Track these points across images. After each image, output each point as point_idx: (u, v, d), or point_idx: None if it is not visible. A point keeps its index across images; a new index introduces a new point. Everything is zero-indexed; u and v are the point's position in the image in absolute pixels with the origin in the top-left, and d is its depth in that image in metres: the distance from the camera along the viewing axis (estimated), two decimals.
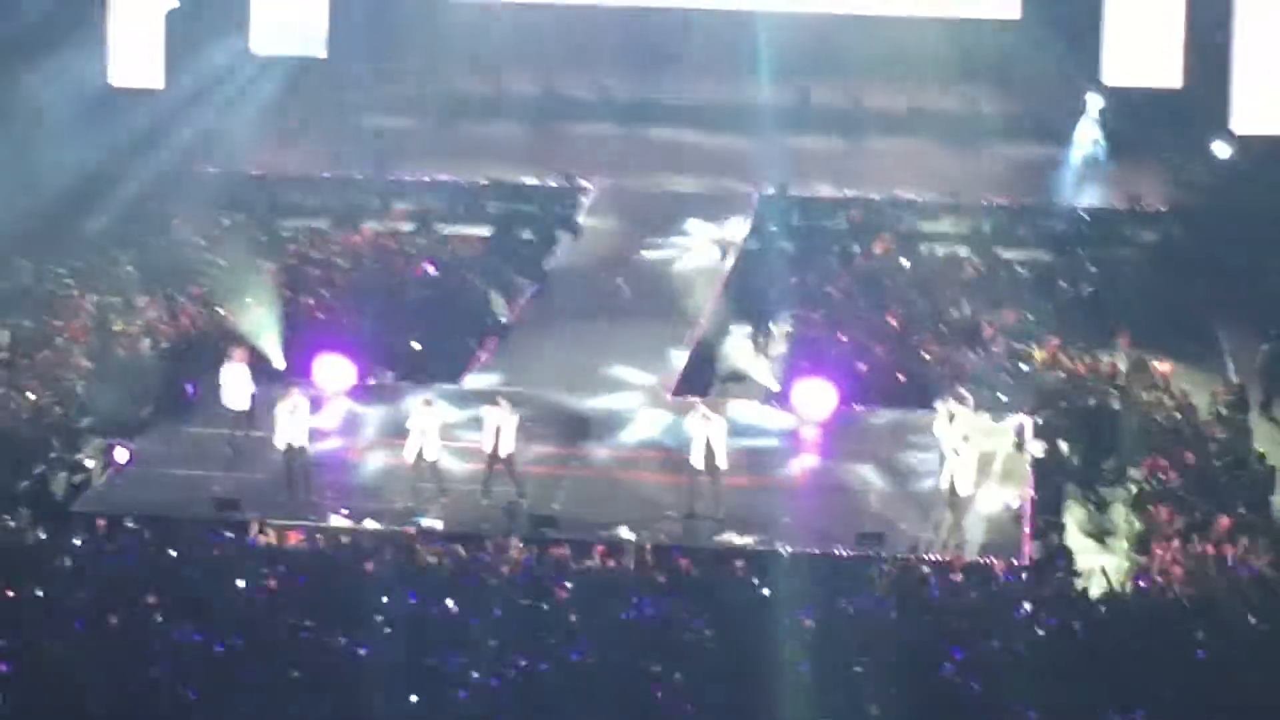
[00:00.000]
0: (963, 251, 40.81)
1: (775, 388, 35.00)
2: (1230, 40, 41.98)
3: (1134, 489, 31.60)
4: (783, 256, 40.26)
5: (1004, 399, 34.11)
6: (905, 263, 39.66)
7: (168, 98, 44.93)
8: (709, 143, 46.09)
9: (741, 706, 24.51)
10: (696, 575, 27.80)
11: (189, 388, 34.12)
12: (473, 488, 30.87)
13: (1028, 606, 26.87)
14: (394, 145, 45.64)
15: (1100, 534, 31.06)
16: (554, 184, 43.98)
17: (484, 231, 42.41)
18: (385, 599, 26.66)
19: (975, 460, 29.96)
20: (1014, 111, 45.70)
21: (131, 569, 27.89)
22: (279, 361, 34.50)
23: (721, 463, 30.25)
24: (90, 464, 32.24)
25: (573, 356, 35.96)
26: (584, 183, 43.88)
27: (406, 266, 39.67)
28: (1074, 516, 31.44)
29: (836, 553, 29.13)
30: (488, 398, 31.82)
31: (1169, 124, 43.12)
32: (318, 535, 29.46)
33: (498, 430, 30.49)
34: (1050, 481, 31.73)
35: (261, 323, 35.60)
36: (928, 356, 35.19)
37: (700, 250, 40.81)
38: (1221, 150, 42.65)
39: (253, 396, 32.13)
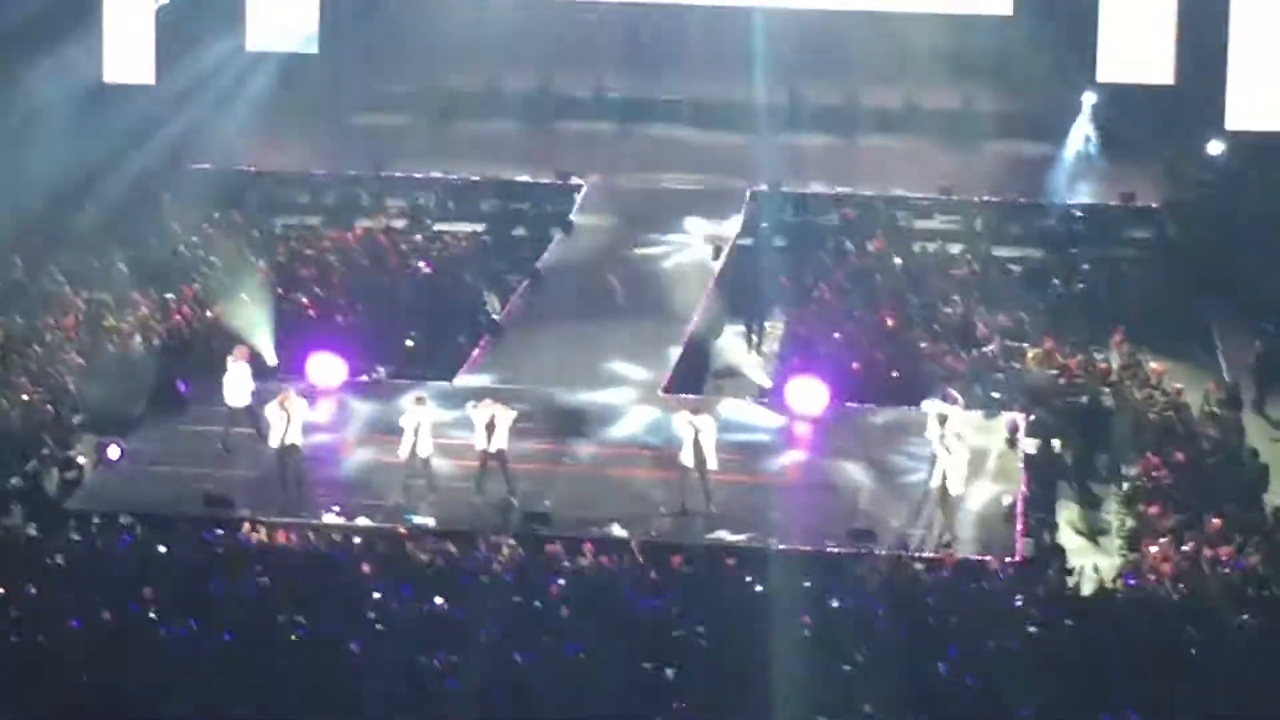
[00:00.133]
0: (956, 249, 40.78)
1: (768, 385, 35.00)
2: (1224, 36, 42.03)
3: (1126, 487, 31.62)
4: (776, 254, 40.25)
5: (997, 396, 34.16)
6: (898, 260, 39.65)
7: (160, 93, 44.94)
8: (702, 140, 46.06)
9: (733, 703, 24.53)
10: (688, 572, 27.79)
11: (181, 385, 34.07)
12: (465, 485, 30.86)
13: (1020, 604, 26.88)
14: (387, 142, 45.58)
15: (1093, 532, 31.08)
16: (547, 181, 43.94)
17: (477, 229, 42.40)
18: (377, 596, 26.68)
19: (967, 458, 29.96)
20: (1007, 108, 45.64)
21: (124, 566, 27.89)
22: (271, 359, 34.48)
23: (710, 464, 30.24)
24: (82, 461, 32.21)
25: (566, 354, 35.92)
26: (577, 180, 43.84)
27: (399, 264, 39.64)
28: (1066, 514, 31.46)
29: (829, 550, 29.13)
30: (478, 395, 31.75)
31: (1162, 121, 43.10)
32: (310, 533, 29.42)
33: (490, 427, 30.48)
34: (1043, 479, 31.74)
35: (254, 320, 35.58)
36: (921, 354, 35.17)
37: (694, 247, 40.78)
38: (1215, 147, 42.66)
39: (253, 394, 32.11)
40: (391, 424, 31.54)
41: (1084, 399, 33.65)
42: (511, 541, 28.73)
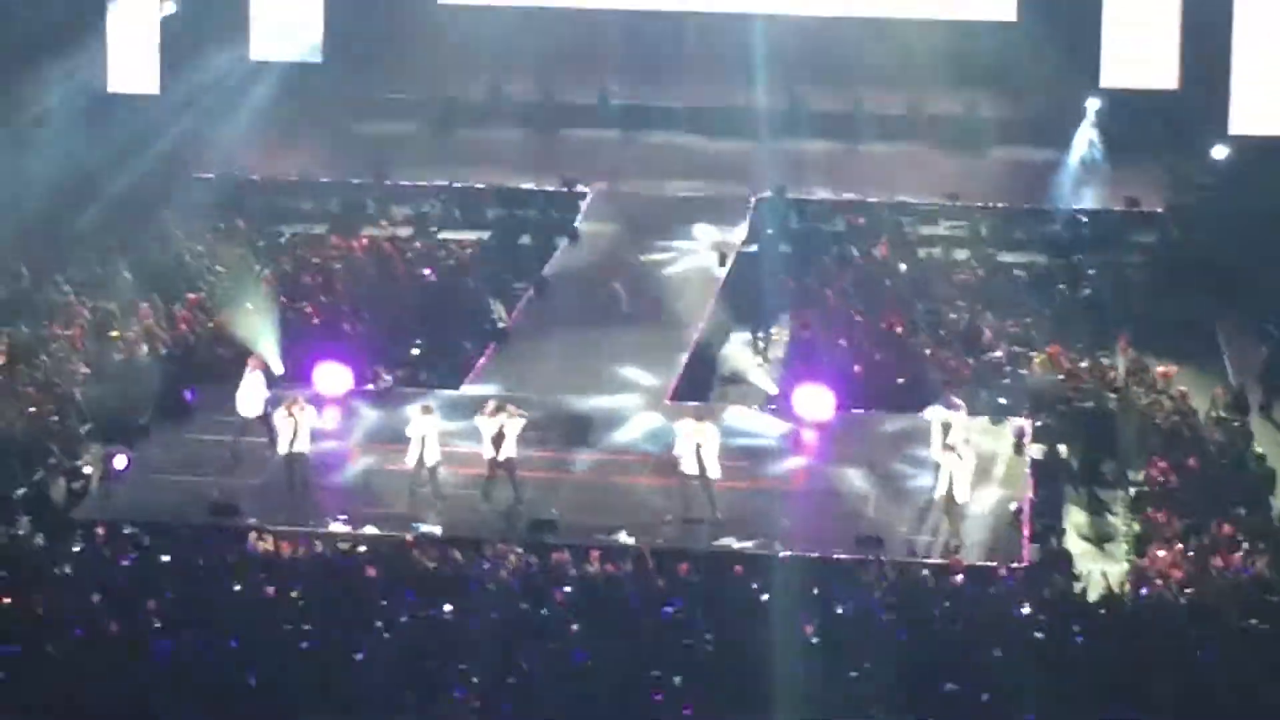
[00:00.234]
0: (961, 254, 40.79)
1: (774, 391, 35.01)
2: (1227, 41, 42.03)
3: (1133, 492, 31.61)
4: (781, 260, 40.25)
5: (1003, 402, 34.13)
6: (903, 266, 39.65)
7: (165, 103, 44.99)
8: (707, 146, 46.04)
9: (740, 709, 24.51)
10: (695, 579, 27.79)
11: (187, 393, 34.10)
12: (472, 493, 30.87)
13: (1026, 609, 26.88)
14: (392, 150, 45.57)
15: (1099, 537, 31.06)
16: (552, 189, 43.95)
17: (483, 236, 42.41)
18: (384, 604, 26.69)
19: (973, 464, 29.95)
20: (1011, 114, 45.62)
21: (130, 574, 27.91)
22: (278, 367, 34.48)
23: (713, 473, 30.24)
24: (89, 470, 32.22)
25: (572, 361, 35.93)
26: (582, 187, 43.85)
27: (405, 272, 39.65)
28: (1073, 520, 31.45)
29: (835, 556, 29.12)
30: (485, 401, 31.75)
31: (1166, 125, 43.08)
32: (316, 541, 29.45)
33: (498, 438, 30.48)
34: (1049, 484, 31.74)
35: (259, 328, 35.58)
36: (926, 360, 35.17)
37: (699, 254, 40.78)
38: (1219, 151, 42.66)
39: (266, 403, 32.12)
40: (398, 432, 31.55)
41: (1090, 404, 33.64)
42: (518, 549, 28.75)
